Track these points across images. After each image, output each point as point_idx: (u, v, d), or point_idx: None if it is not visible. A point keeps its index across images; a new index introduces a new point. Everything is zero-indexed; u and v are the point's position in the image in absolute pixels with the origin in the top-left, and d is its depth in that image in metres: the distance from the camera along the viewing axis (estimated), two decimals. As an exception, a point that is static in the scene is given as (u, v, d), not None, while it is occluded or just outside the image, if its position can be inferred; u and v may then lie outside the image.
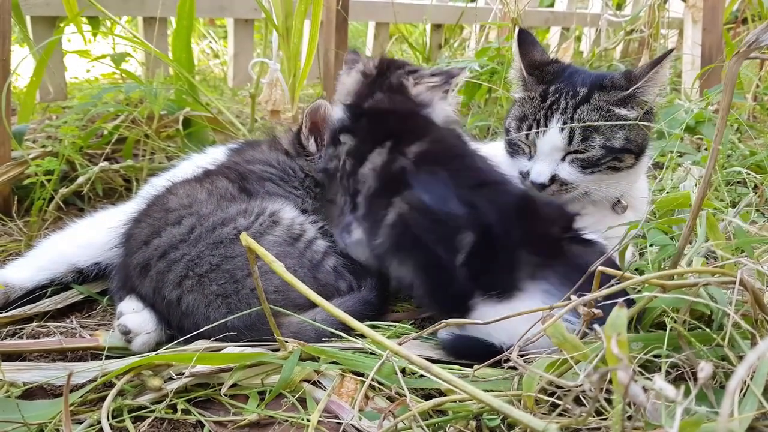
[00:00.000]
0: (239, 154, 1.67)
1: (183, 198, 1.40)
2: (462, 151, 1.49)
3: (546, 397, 1.01)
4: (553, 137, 1.49)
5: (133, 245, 1.35)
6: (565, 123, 1.48)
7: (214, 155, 1.79)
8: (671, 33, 4.21)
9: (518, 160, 1.58)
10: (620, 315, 0.84)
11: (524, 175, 1.55)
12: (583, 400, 1.02)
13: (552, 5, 4.64)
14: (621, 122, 1.47)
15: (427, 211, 1.33)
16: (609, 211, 1.62)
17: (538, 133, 1.51)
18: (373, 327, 1.31)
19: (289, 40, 2.50)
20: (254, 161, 1.58)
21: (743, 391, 0.89)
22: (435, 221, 1.32)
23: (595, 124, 1.47)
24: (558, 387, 1.01)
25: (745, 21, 3.82)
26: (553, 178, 1.50)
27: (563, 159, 1.51)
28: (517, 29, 1.61)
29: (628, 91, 1.47)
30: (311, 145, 1.59)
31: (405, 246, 1.35)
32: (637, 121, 1.47)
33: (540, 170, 1.51)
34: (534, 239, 1.28)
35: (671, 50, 1.53)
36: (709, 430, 0.81)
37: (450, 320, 1.12)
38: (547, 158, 1.51)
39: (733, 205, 1.78)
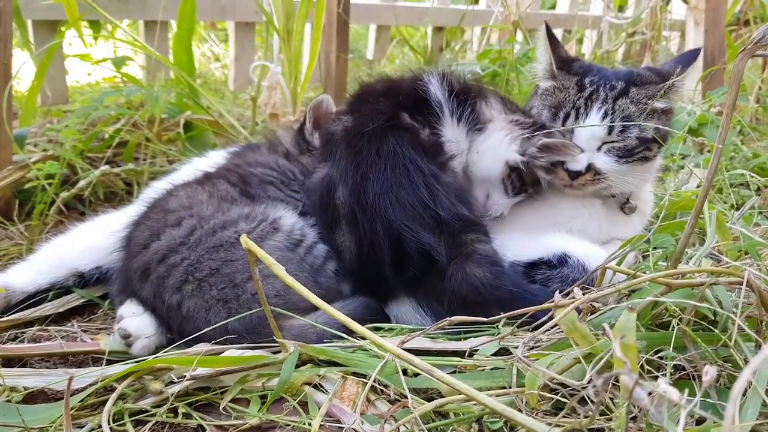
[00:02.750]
0: (240, 157, 1.67)
1: (183, 199, 1.39)
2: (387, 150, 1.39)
3: (550, 395, 1.01)
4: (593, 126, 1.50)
5: (133, 249, 1.34)
6: (606, 113, 1.51)
7: (215, 158, 1.78)
8: (673, 35, 4.20)
9: None
10: (629, 319, 0.84)
11: (555, 164, 1.54)
12: (588, 398, 1.01)
13: (553, 7, 4.64)
14: (643, 120, 1.51)
15: (323, 189, 1.43)
16: (618, 211, 1.63)
17: (577, 120, 1.52)
18: (375, 329, 1.31)
19: (290, 43, 2.50)
20: (255, 164, 1.57)
21: (745, 393, 0.89)
22: (323, 205, 1.43)
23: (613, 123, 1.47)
24: (563, 385, 1.01)
25: (747, 23, 3.81)
26: (589, 167, 1.51)
27: (599, 149, 1.52)
28: (544, 25, 1.61)
29: (665, 84, 1.52)
30: (315, 140, 1.59)
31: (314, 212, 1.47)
32: (657, 125, 1.52)
33: (577, 158, 1.51)
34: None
35: (699, 49, 1.56)
36: (713, 435, 0.80)
37: (453, 317, 1.13)
38: (584, 146, 1.52)
39: (737, 208, 1.77)
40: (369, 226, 1.34)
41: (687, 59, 1.57)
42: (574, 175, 1.51)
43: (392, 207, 1.33)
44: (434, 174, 1.37)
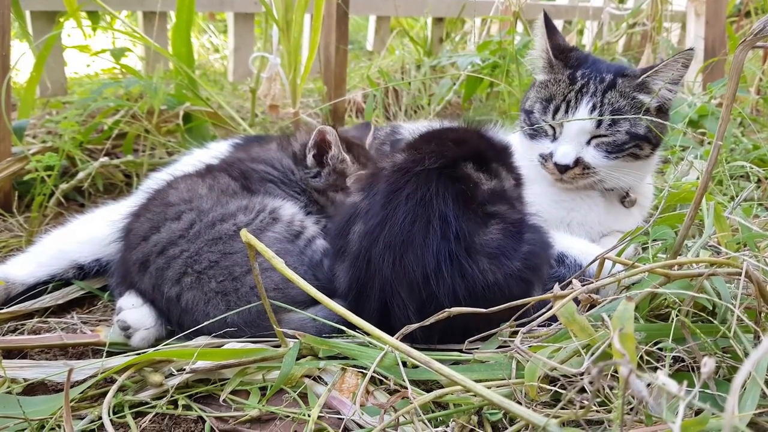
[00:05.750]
0: (244, 150, 1.65)
1: (183, 192, 1.39)
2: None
3: (549, 387, 1.01)
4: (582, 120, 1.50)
5: (133, 240, 1.34)
6: (594, 106, 1.50)
7: (217, 150, 1.78)
8: (674, 26, 4.19)
9: (539, 142, 1.58)
10: (627, 308, 0.84)
11: (546, 158, 1.55)
12: (587, 387, 1.01)
13: (554, -2, 4.61)
14: (634, 115, 1.50)
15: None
16: (617, 204, 1.63)
17: (567, 114, 1.51)
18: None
19: (289, 35, 2.49)
20: (258, 160, 1.56)
21: (743, 385, 0.89)
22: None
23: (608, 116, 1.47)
24: (562, 377, 1.01)
25: (748, 14, 3.80)
26: (577, 161, 1.51)
27: (588, 143, 1.52)
28: (543, 14, 1.61)
29: (641, 78, 1.52)
30: (309, 160, 1.56)
31: None
32: (652, 118, 1.50)
33: (566, 152, 1.51)
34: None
35: (690, 49, 1.54)
36: (713, 427, 0.80)
37: (453, 309, 1.12)
38: (573, 140, 1.52)
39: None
40: (366, 279, 1.24)
41: (673, 56, 1.54)
42: (563, 169, 1.51)
43: (394, 268, 1.21)
44: (461, 235, 1.21)
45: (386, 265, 1.22)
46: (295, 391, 1.13)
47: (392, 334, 1.10)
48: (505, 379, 1.07)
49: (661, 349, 1.05)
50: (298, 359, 1.16)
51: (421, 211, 1.23)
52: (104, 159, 2.14)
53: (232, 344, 1.22)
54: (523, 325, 1.14)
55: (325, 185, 1.55)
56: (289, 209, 1.39)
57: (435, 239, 1.20)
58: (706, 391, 0.96)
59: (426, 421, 1.00)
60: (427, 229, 1.21)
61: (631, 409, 0.91)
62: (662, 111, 1.57)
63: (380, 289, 1.22)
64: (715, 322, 1.06)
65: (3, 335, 1.38)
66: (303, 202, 1.52)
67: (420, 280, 1.20)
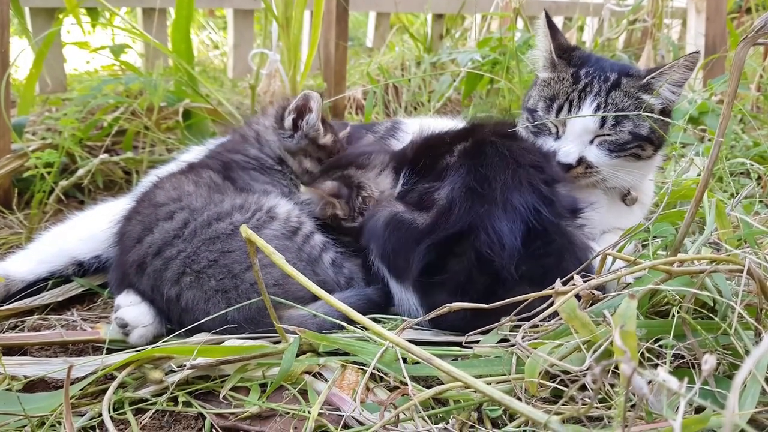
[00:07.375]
0: (222, 145, 1.66)
1: (170, 191, 1.39)
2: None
3: (549, 383, 1.01)
4: (586, 119, 1.50)
5: (127, 243, 1.34)
6: (598, 105, 1.50)
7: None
8: (674, 23, 4.18)
9: (542, 140, 1.58)
10: (630, 306, 0.84)
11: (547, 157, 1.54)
12: (589, 385, 1.01)
13: (554, -5, 4.60)
14: (645, 114, 1.50)
15: None
16: (619, 201, 1.63)
17: (570, 113, 1.51)
18: (374, 320, 1.30)
19: (289, 31, 2.49)
20: (233, 151, 1.57)
21: (744, 383, 0.89)
22: None
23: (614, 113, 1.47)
24: (563, 373, 1.01)
25: (749, 10, 3.79)
26: (580, 160, 1.50)
27: (591, 142, 1.52)
28: (543, 13, 1.62)
29: (646, 79, 1.52)
30: (288, 121, 1.57)
31: None
32: (656, 116, 1.51)
33: (569, 151, 1.51)
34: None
35: (695, 53, 1.54)
36: (714, 424, 0.80)
37: (454, 304, 1.12)
38: (576, 139, 1.52)
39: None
40: (457, 217, 1.26)
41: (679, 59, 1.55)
42: (566, 168, 1.51)
43: (496, 204, 1.25)
44: (553, 179, 1.34)
45: (485, 202, 1.25)
46: (295, 388, 1.13)
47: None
48: (505, 375, 1.07)
49: (661, 346, 1.05)
50: (298, 356, 1.16)
51: (523, 160, 1.32)
52: (104, 156, 2.14)
53: (232, 341, 1.22)
54: (524, 320, 1.14)
55: (296, 147, 1.57)
56: (285, 206, 1.39)
57: (539, 181, 1.30)
58: (706, 388, 0.96)
59: (426, 418, 0.99)
60: (529, 174, 1.30)
61: (632, 406, 0.91)
62: (665, 113, 1.57)
63: (468, 224, 1.25)
64: (715, 319, 1.06)
65: (3, 332, 1.38)
66: (288, 187, 1.53)
67: (531, 210, 1.25)
